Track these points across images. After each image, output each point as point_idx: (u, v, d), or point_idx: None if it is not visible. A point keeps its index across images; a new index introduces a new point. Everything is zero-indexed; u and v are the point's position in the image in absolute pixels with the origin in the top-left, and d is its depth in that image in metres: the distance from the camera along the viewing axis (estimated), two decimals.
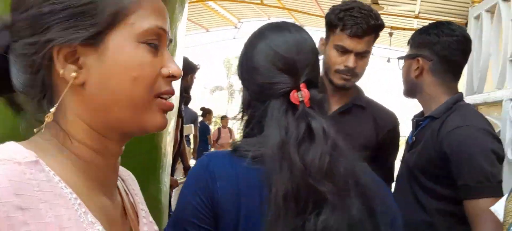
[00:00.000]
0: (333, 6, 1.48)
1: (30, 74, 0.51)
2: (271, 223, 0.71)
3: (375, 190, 0.81)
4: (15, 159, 0.46)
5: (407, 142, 1.62)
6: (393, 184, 1.64)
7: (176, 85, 0.56)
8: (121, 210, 0.59)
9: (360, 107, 1.51)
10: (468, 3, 2.35)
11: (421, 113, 1.59)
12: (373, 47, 1.51)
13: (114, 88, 0.52)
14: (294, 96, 0.77)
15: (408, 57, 1.55)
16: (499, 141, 1.38)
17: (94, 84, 0.51)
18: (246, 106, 0.86)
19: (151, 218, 0.64)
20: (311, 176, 0.73)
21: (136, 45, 0.52)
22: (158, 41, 0.54)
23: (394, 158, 1.62)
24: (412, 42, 1.57)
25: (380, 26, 1.45)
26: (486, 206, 1.22)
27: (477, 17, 1.88)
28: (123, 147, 0.58)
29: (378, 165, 1.54)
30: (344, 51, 1.41)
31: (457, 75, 1.52)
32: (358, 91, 1.57)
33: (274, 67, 0.80)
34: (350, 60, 1.39)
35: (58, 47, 0.50)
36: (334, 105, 1.54)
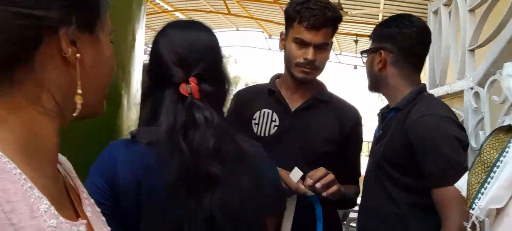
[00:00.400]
0: (291, 0, 1.47)
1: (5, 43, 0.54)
2: (168, 202, 0.83)
3: (261, 164, 0.96)
4: None
5: (375, 135, 1.62)
6: (361, 179, 1.63)
7: None
8: (64, 190, 0.61)
9: (323, 102, 1.51)
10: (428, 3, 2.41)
11: (387, 107, 1.59)
12: (332, 41, 1.52)
13: (98, 76, 0.58)
14: (183, 87, 0.88)
15: (371, 51, 1.55)
16: (462, 129, 1.39)
17: (86, 68, 0.55)
18: (146, 93, 1.01)
19: (92, 200, 0.67)
20: (200, 159, 0.84)
21: (109, 42, 0.60)
22: None
23: (358, 153, 1.62)
24: (374, 36, 1.58)
25: (338, 18, 1.45)
26: (453, 194, 1.22)
27: (436, 12, 1.91)
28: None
29: (344, 160, 1.54)
30: (302, 43, 1.40)
31: (419, 66, 1.54)
32: (321, 86, 1.56)
33: (170, 61, 0.91)
34: (309, 53, 1.39)
35: (65, 29, 0.53)
36: (298, 101, 1.52)
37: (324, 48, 1.44)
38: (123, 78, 1.39)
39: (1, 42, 0.48)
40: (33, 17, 0.49)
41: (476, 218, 0.71)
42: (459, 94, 1.67)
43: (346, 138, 1.53)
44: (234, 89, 1.58)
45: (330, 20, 1.42)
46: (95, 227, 0.61)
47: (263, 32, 10.16)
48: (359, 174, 1.64)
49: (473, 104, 1.50)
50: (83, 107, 0.55)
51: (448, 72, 1.84)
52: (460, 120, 1.58)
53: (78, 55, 0.53)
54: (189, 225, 0.82)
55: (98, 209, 0.67)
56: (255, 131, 1.55)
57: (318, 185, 1.30)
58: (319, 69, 1.47)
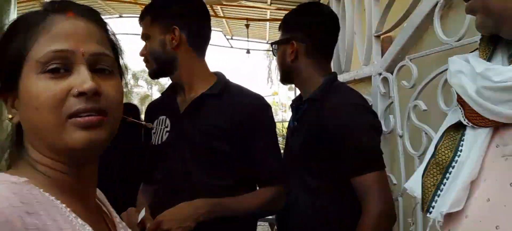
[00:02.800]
0: None
1: None
2: None
3: None
4: (10, 180, 0.55)
5: (289, 127, 1.57)
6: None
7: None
8: (101, 217, 0.69)
9: (213, 97, 1.32)
10: None
11: (300, 98, 1.55)
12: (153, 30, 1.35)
13: (27, 121, 0.59)
14: None
15: (282, 42, 1.48)
16: (375, 115, 1.42)
17: (22, 121, 0.60)
18: None
19: (124, 223, 0.75)
20: None
21: (36, 77, 0.57)
22: (62, 64, 0.58)
23: (269, 146, 1.35)
24: (284, 26, 1.51)
25: (153, 6, 1.37)
26: (372, 180, 1.24)
27: None
28: (95, 164, 0.66)
29: (250, 159, 1.30)
30: None
31: (329, 55, 1.52)
32: (215, 80, 1.37)
33: None
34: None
35: (4, 96, 0.62)
36: (188, 102, 1.36)
37: (147, 39, 1.36)
38: None
39: None
40: None
41: (437, 222, 0.68)
42: (365, 80, 1.72)
43: (241, 130, 1.29)
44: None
45: (146, 11, 1.37)
46: None
47: None
48: (277, 170, 1.34)
49: (381, 89, 1.55)
50: (50, 148, 0.59)
51: (353, 58, 1.89)
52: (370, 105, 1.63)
53: (9, 116, 0.62)
54: None
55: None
56: (152, 140, 1.40)
57: None
58: (148, 61, 1.36)
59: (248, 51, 9.71)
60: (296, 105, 1.54)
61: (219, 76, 1.39)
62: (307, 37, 1.43)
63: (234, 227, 1.29)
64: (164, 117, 1.39)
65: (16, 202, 0.51)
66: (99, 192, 0.74)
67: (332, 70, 1.95)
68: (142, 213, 1.22)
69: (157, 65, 1.35)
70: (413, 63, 1.35)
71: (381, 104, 1.56)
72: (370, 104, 1.60)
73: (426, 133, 1.28)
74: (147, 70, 1.41)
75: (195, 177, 1.28)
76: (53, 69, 0.57)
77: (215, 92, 1.33)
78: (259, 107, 1.35)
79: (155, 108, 1.49)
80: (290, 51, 1.44)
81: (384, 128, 1.52)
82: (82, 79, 0.57)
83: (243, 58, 10.68)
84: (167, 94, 1.44)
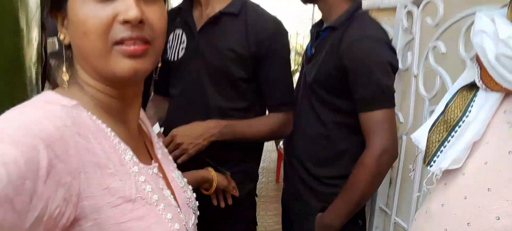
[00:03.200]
0: None
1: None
2: None
3: None
4: (60, 103, 0.57)
5: (306, 53, 1.55)
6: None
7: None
8: (141, 138, 0.73)
9: (231, 16, 1.29)
10: None
11: (321, 23, 1.50)
12: None
13: (76, 45, 0.61)
14: None
15: None
16: (394, 51, 1.38)
17: (72, 42, 0.62)
18: None
19: (161, 143, 0.80)
20: None
21: (83, 1, 0.57)
22: None
23: (284, 73, 1.36)
24: None
25: None
26: (380, 117, 1.26)
27: None
28: (139, 89, 0.69)
29: (266, 83, 1.32)
30: None
31: None
32: None
33: None
34: None
35: (49, 11, 0.63)
36: (205, 19, 1.33)
37: None
38: None
39: None
40: None
41: (435, 176, 0.71)
42: (389, 10, 1.64)
43: (256, 56, 1.28)
44: None
45: None
46: (165, 168, 0.75)
47: None
48: (287, 97, 1.38)
49: (404, 24, 1.49)
50: (97, 71, 0.61)
51: None
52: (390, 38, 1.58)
53: (61, 36, 0.62)
54: None
55: (166, 150, 0.81)
56: (167, 55, 1.39)
57: None
58: None
59: None
60: (316, 32, 1.50)
61: None
62: None
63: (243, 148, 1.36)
64: (180, 31, 1.38)
65: (68, 123, 0.54)
66: (142, 113, 0.77)
67: None
68: (157, 127, 1.27)
69: None
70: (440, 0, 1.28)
71: (402, 40, 1.51)
72: (390, 37, 1.56)
73: (440, 77, 1.26)
74: None
75: (210, 97, 1.32)
76: None
77: (233, 11, 1.29)
78: (275, 32, 1.31)
79: (171, 19, 1.44)
80: None
81: (400, 65, 1.49)
82: (127, 4, 0.57)
83: None
84: (184, 7, 1.39)
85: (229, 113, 1.31)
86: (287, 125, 1.40)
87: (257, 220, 1.56)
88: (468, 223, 0.66)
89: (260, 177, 4.01)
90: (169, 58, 1.38)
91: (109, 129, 0.61)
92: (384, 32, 1.36)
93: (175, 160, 1.20)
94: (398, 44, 1.51)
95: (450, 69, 1.22)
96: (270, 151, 5.58)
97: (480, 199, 0.65)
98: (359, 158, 1.29)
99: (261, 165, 1.60)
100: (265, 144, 1.67)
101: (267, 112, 1.42)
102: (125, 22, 0.57)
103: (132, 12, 0.56)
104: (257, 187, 1.52)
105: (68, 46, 0.64)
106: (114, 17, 0.57)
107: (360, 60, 1.25)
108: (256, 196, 1.53)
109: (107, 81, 0.62)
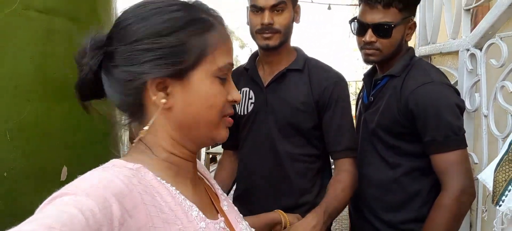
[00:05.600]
0: None
1: (123, 96, 0.65)
2: None
3: None
4: (126, 166, 0.60)
5: (363, 102, 1.57)
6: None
7: None
8: (205, 192, 0.76)
9: (296, 71, 1.42)
10: None
11: (374, 71, 1.55)
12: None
13: (194, 113, 0.65)
14: None
15: (403, 21, 1.39)
16: (459, 94, 1.40)
17: (179, 109, 0.65)
18: None
19: (226, 195, 0.83)
20: None
21: (212, 80, 0.65)
22: (226, 74, 0.68)
23: (345, 119, 1.41)
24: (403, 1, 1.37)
25: None
26: (455, 158, 1.25)
27: None
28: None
29: (329, 129, 1.40)
30: (258, 9, 1.36)
31: None
32: (296, 55, 1.46)
33: None
34: (265, 17, 1.34)
35: (152, 79, 0.62)
36: (272, 75, 1.45)
37: (280, 8, 1.35)
38: None
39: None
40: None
41: (504, 215, 0.73)
42: (452, 53, 1.67)
43: (321, 103, 1.39)
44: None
45: None
46: (231, 220, 0.76)
47: None
48: (352, 143, 1.42)
49: (469, 66, 1.51)
50: (195, 139, 0.68)
51: (439, 30, 1.83)
52: (454, 82, 1.59)
53: (163, 101, 0.63)
54: None
55: (230, 201, 0.83)
56: (236, 110, 1.51)
57: None
58: (280, 32, 1.37)
59: (329, 7, 9.44)
60: (374, 81, 1.52)
61: (298, 51, 1.48)
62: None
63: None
64: (247, 89, 1.50)
65: (135, 181, 0.58)
66: (199, 164, 0.80)
67: (417, 42, 1.90)
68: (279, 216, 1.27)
69: (283, 37, 1.40)
70: (503, 41, 1.30)
71: (467, 81, 1.52)
72: (455, 80, 1.57)
73: (511, 115, 1.26)
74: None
75: (280, 146, 1.41)
76: (223, 78, 0.67)
77: (298, 67, 1.42)
78: (337, 81, 1.41)
79: (236, 79, 1.53)
80: (410, 30, 1.40)
81: (468, 106, 1.49)
82: (233, 89, 0.70)
83: (324, 13, 10.32)
84: (250, 67, 1.52)
85: (300, 159, 1.40)
86: (357, 173, 1.43)
87: None
88: None
89: None
90: (239, 113, 1.50)
91: (174, 188, 0.64)
92: (445, 76, 1.38)
93: None
94: (464, 86, 1.53)
95: None
96: None
97: None
98: (436, 200, 1.28)
99: None
100: None
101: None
102: (233, 101, 0.69)
103: (237, 95, 0.70)
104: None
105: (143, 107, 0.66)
106: (226, 97, 0.68)
107: (428, 103, 1.28)
108: None
109: (197, 146, 0.70)
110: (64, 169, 1.17)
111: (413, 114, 1.31)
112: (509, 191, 0.73)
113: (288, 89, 1.41)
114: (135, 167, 0.61)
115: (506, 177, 0.74)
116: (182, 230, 0.60)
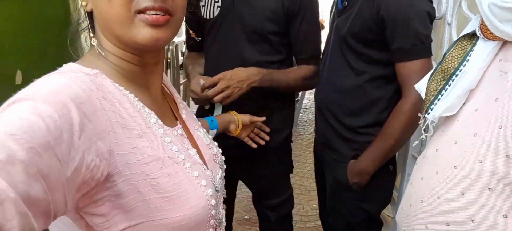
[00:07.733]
0: None
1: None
2: None
3: None
4: (84, 71, 0.59)
5: (336, 7, 1.55)
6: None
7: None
8: (165, 100, 0.76)
9: None
10: None
11: None
12: None
13: (99, 12, 0.62)
14: None
15: None
16: (431, 1, 1.36)
17: (95, 9, 0.63)
18: None
19: (185, 103, 0.82)
20: None
21: None
22: None
23: (313, 29, 1.44)
24: None
25: None
26: (418, 67, 1.28)
27: None
28: (160, 56, 0.70)
29: (296, 38, 1.42)
30: None
31: None
32: None
33: None
34: None
35: None
36: None
37: None
38: None
39: None
40: None
41: (431, 123, 0.76)
42: None
43: (291, 10, 1.37)
44: None
45: None
46: (189, 127, 0.77)
47: None
48: (316, 50, 1.48)
49: None
50: (119, 39, 0.62)
51: None
52: None
53: (83, 3, 0.63)
54: None
55: (190, 110, 0.82)
56: (202, 13, 1.46)
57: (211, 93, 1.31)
58: None
59: None
60: None
61: None
62: None
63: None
64: None
65: (93, 87, 0.56)
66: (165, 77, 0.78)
67: None
68: (201, 82, 1.37)
69: None
70: None
71: None
72: None
73: None
74: None
75: (246, 53, 1.41)
76: None
77: None
78: None
79: None
80: None
81: (437, 14, 1.46)
82: None
83: None
84: None
85: (264, 66, 1.41)
86: (316, 76, 1.50)
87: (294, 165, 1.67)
88: (454, 166, 0.72)
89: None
90: (204, 16, 1.46)
91: (132, 95, 0.63)
92: None
93: (220, 102, 1.32)
94: None
95: None
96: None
97: (466, 144, 0.70)
98: (396, 106, 1.33)
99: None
100: None
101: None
102: None
103: None
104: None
105: (90, 14, 0.64)
106: None
107: (399, 10, 1.26)
108: (292, 141, 1.63)
109: (129, 48, 0.63)
110: (19, 73, 1.17)
111: (383, 21, 1.29)
112: (438, 100, 0.75)
113: None
114: (93, 73, 0.59)
115: (437, 86, 0.76)
116: (141, 135, 0.60)
